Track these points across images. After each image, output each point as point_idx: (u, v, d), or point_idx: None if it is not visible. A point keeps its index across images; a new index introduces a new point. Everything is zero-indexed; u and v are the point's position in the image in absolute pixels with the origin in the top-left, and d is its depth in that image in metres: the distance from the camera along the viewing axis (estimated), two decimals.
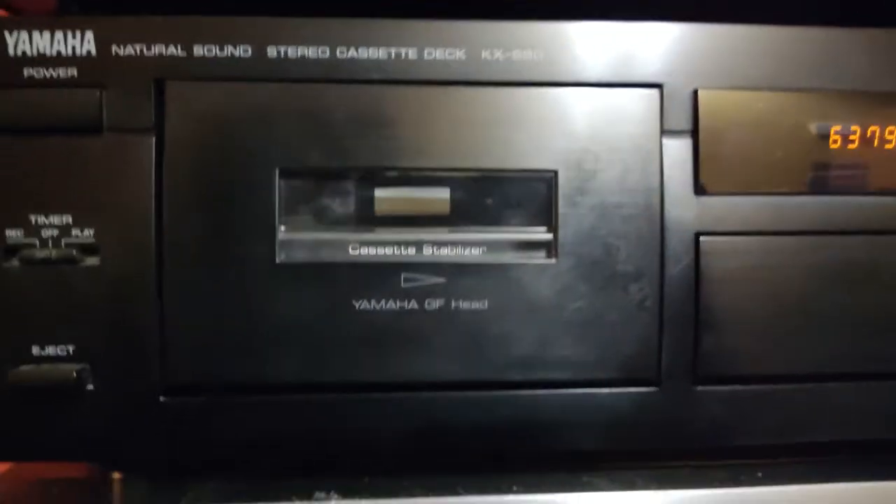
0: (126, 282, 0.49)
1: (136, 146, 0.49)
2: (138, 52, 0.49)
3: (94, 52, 0.49)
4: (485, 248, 0.51)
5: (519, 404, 0.52)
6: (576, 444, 0.53)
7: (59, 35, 0.49)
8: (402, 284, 0.50)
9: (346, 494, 0.50)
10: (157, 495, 0.50)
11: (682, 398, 0.53)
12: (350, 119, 0.50)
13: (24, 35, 0.48)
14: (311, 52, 0.50)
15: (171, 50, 0.49)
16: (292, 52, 0.50)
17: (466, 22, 0.51)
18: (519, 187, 0.52)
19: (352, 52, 0.50)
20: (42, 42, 0.48)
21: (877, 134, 0.53)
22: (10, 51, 0.48)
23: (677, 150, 0.52)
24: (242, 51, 0.49)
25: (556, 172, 0.51)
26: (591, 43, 0.51)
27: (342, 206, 0.51)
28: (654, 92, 0.52)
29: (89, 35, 0.49)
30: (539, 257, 0.51)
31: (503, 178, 0.51)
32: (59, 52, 0.49)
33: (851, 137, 0.53)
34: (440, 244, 0.51)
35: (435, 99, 0.51)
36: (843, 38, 0.53)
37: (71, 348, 0.49)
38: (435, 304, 0.50)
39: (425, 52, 0.51)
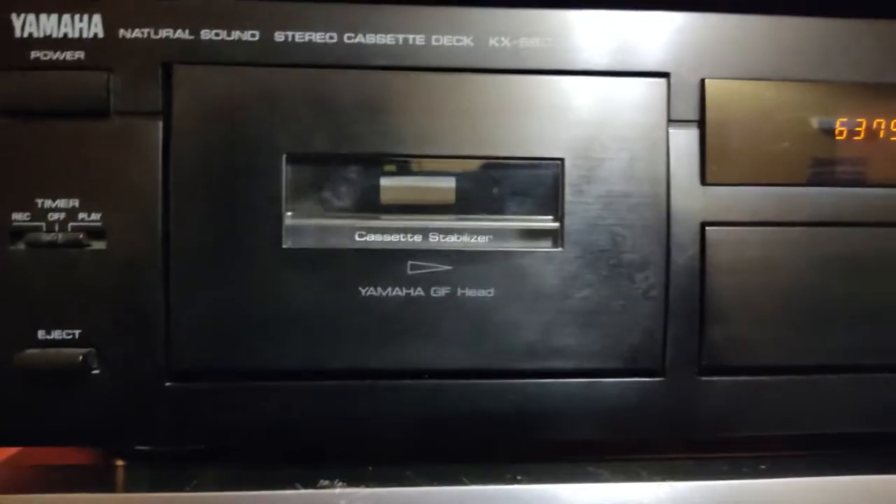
0: (132, 266, 0.49)
1: (144, 130, 0.49)
2: (146, 35, 0.49)
3: (101, 34, 0.49)
4: (491, 237, 0.51)
5: (524, 393, 0.52)
6: (580, 434, 0.53)
7: (66, 18, 0.48)
8: (409, 271, 0.50)
9: (350, 482, 0.49)
10: (161, 482, 0.50)
11: (687, 389, 0.53)
12: (357, 105, 0.50)
13: (31, 17, 0.48)
14: (318, 37, 0.50)
15: (179, 34, 0.49)
16: (300, 37, 0.50)
17: (474, 9, 0.51)
18: (525, 175, 0.52)
19: (359, 38, 0.50)
20: (49, 24, 0.48)
21: (883, 126, 0.53)
22: (17, 33, 0.48)
23: (684, 140, 0.52)
24: (250, 35, 0.49)
25: (562, 161, 0.51)
26: (598, 31, 0.51)
27: (349, 192, 0.51)
28: (662, 81, 0.52)
29: (97, 18, 0.49)
30: (545, 246, 0.51)
31: (510, 166, 0.51)
32: (66, 35, 0.48)
33: (857, 129, 0.53)
34: (446, 232, 0.51)
35: (442, 86, 0.51)
36: (850, 29, 0.53)
37: (77, 332, 0.49)
38: (441, 291, 0.50)
39: (433, 38, 0.50)
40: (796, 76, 0.53)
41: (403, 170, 0.51)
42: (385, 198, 0.51)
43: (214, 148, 0.49)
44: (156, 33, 0.49)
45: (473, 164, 0.51)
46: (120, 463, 0.54)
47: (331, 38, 0.50)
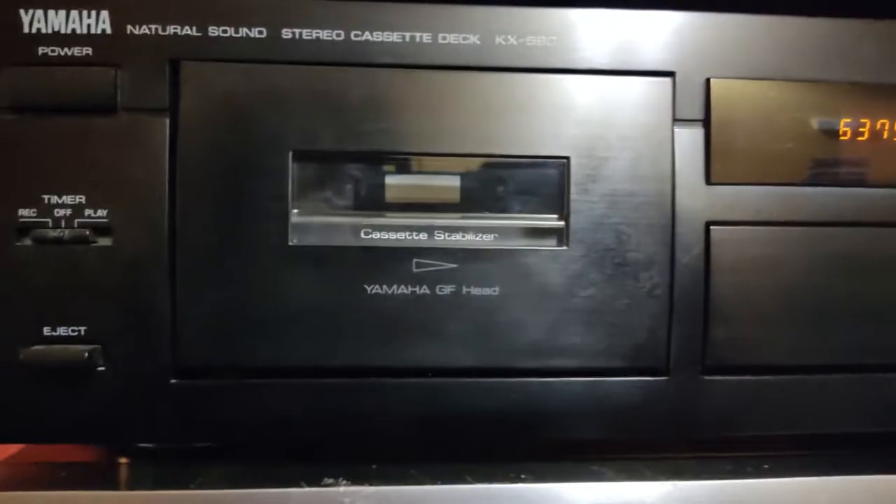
0: (138, 263, 0.49)
1: (151, 126, 0.49)
2: (153, 31, 0.49)
3: (109, 30, 0.49)
4: (496, 235, 0.51)
5: (528, 392, 0.52)
6: (584, 433, 0.53)
7: (74, 13, 0.48)
8: (414, 269, 0.50)
9: (354, 480, 0.49)
10: (165, 479, 0.50)
11: (691, 388, 0.53)
12: (363, 103, 0.50)
13: (40, 13, 0.48)
14: (325, 34, 0.50)
15: (187, 30, 0.49)
16: (307, 34, 0.50)
17: (481, 7, 0.51)
18: (531, 174, 0.52)
19: (366, 36, 0.50)
20: (57, 20, 0.48)
21: (886, 126, 0.53)
22: (25, 28, 0.48)
23: (689, 139, 0.52)
24: (257, 32, 0.49)
25: (568, 159, 0.51)
26: (604, 31, 0.52)
27: (355, 189, 0.51)
28: (667, 80, 0.52)
29: (104, 14, 0.49)
30: (550, 244, 0.51)
31: (515, 165, 0.51)
32: (73, 31, 0.48)
33: (861, 129, 0.53)
34: (452, 230, 0.51)
35: (448, 84, 0.51)
36: (855, 29, 0.53)
37: (82, 329, 0.49)
38: (446, 289, 0.50)
39: (439, 36, 0.51)
40: (801, 76, 0.53)
41: (409, 168, 0.51)
42: (391, 196, 0.51)
43: (221, 145, 0.49)
44: (163, 30, 0.49)
45: (479, 163, 0.51)
46: (123, 460, 0.54)
47: (338, 35, 0.50)
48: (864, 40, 0.53)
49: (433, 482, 0.50)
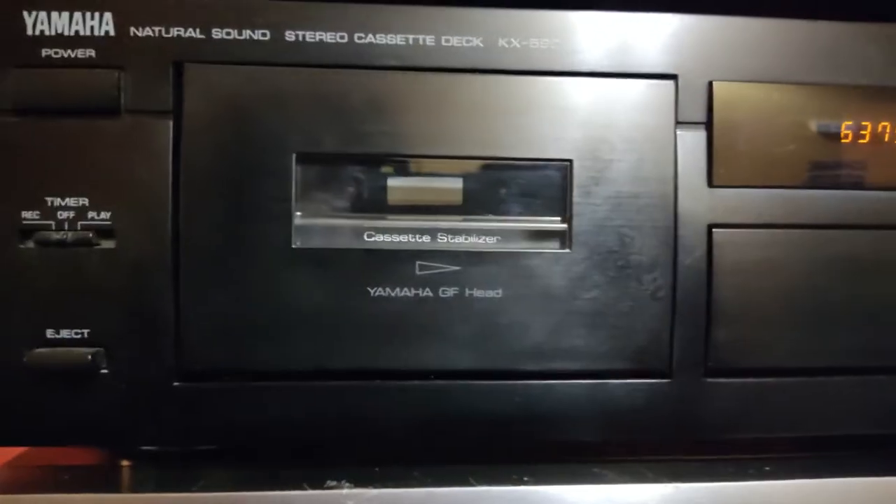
0: (142, 265, 0.49)
1: (154, 129, 0.49)
2: (157, 33, 0.49)
3: (112, 33, 0.49)
4: (499, 237, 0.51)
5: (530, 394, 0.52)
6: (587, 435, 0.53)
7: (77, 15, 0.48)
8: (417, 272, 0.50)
9: (357, 483, 0.49)
10: (167, 482, 0.50)
11: (693, 390, 0.53)
12: (367, 105, 0.50)
13: (43, 15, 0.48)
14: (329, 36, 0.50)
15: (190, 32, 0.49)
16: (310, 36, 0.50)
17: (484, 10, 0.51)
18: (533, 176, 0.52)
19: (370, 38, 0.50)
20: (61, 22, 0.48)
21: (888, 129, 0.53)
22: (29, 31, 0.48)
23: (691, 142, 0.52)
24: (261, 34, 0.49)
25: (570, 162, 0.51)
26: (606, 33, 0.52)
27: (358, 192, 0.51)
28: (669, 83, 0.52)
29: (108, 16, 0.49)
30: (553, 247, 0.51)
31: (518, 167, 0.51)
32: (77, 33, 0.48)
33: (863, 132, 0.53)
34: (455, 232, 0.51)
35: (451, 86, 0.51)
36: (857, 32, 0.53)
37: (85, 332, 0.49)
38: (449, 291, 0.50)
39: (442, 39, 0.51)
40: (803, 79, 0.53)
41: (412, 170, 0.51)
42: (394, 198, 0.51)
43: (224, 147, 0.49)
44: (167, 32, 0.49)
45: (481, 165, 0.51)
46: (126, 463, 0.54)
47: (341, 38, 0.50)
48: (866, 43, 0.53)
49: (436, 484, 0.50)
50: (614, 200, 0.51)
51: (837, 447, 0.57)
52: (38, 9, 0.48)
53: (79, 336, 0.49)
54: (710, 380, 0.53)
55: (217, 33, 0.49)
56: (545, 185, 0.52)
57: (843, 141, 0.53)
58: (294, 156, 0.49)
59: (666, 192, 0.52)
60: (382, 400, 0.51)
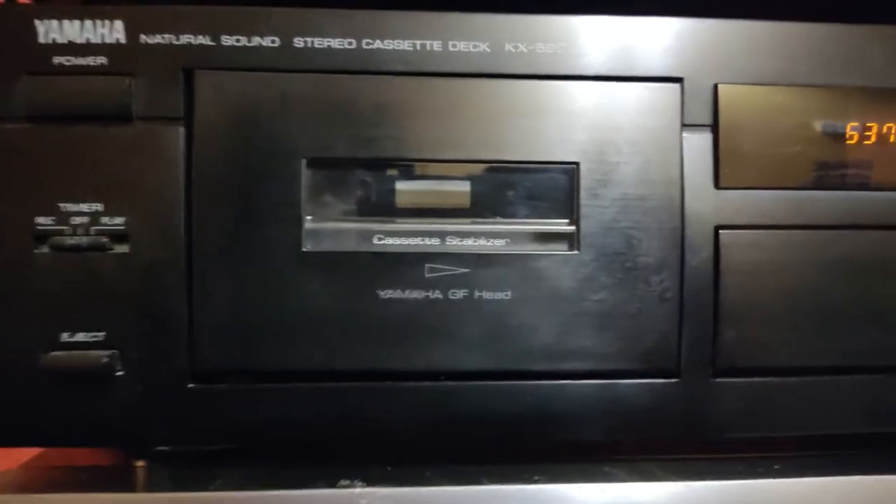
0: (155, 269, 0.49)
1: (166, 135, 0.49)
2: (167, 40, 0.49)
3: (123, 40, 0.49)
4: (508, 240, 0.52)
5: (540, 394, 0.52)
6: (596, 435, 0.53)
7: (88, 23, 0.49)
8: (427, 274, 0.51)
9: (369, 482, 0.50)
10: (182, 482, 0.50)
11: (701, 390, 0.53)
12: (375, 110, 0.51)
13: (55, 23, 0.49)
14: (337, 43, 0.50)
15: (200, 39, 0.50)
16: (319, 42, 0.50)
17: (491, 15, 0.51)
18: (541, 179, 0.52)
19: (377, 44, 0.51)
20: (72, 30, 0.49)
21: (893, 130, 0.54)
22: (41, 39, 0.49)
23: (697, 144, 0.52)
24: (270, 41, 0.50)
25: (577, 164, 0.51)
26: (612, 37, 0.52)
27: (367, 196, 0.51)
28: (675, 86, 0.52)
29: (118, 24, 0.49)
30: (561, 249, 0.52)
31: (526, 170, 0.52)
32: (88, 40, 0.49)
33: (868, 133, 0.53)
34: (464, 235, 0.51)
35: (458, 91, 0.51)
36: (861, 34, 0.54)
37: (101, 335, 0.49)
38: (459, 293, 0.51)
39: (449, 44, 0.51)
40: (808, 81, 0.53)
41: (420, 174, 0.52)
42: (402, 201, 0.52)
43: (235, 153, 0.50)
44: (177, 39, 0.49)
45: (489, 169, 0.52)
46: (140, 464, 0.54)
47: (349, 44, 0.50)
48: (870, 45, 0.53)
49: (448, 483, 0.50)
50: (621, 202, 0.52)
51: (846, 446, 0.57)
52: (50, 17, 0.49)
53: (94, 339, 0.49)
54: (717, 380, 0.53)
55: (227, 40, 0.50)
56: (552, 187, 0.52)
57: (848, 142, 0.53)
58: (304, 160, 0.50)
59: (672, 193, 0.52)
60: (393, 401, 0.51)
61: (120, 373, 0.49)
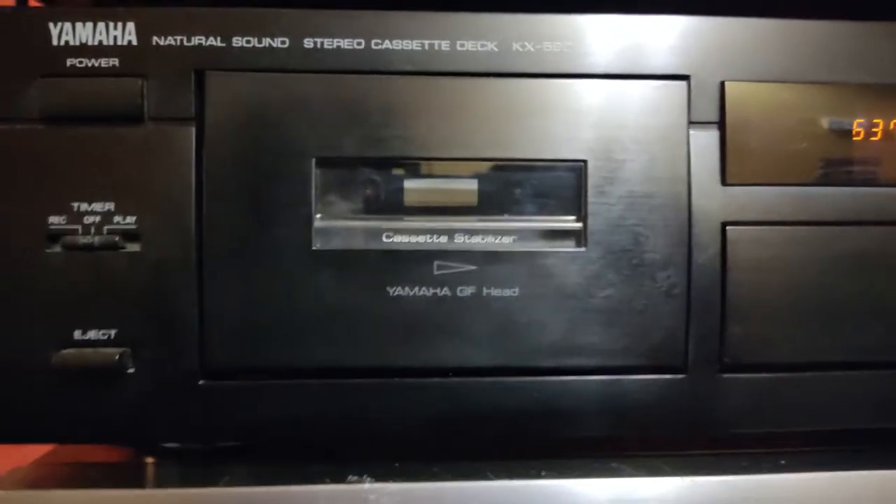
0: (166, 268, 0.50)
1: (177, 135, 0.50)
2: (178, 42, 0.50)
3: (135, 42, 0.50)
4: (515, 237, 0.52)
5: (548, 391, 0.52)
6: (603, 431, 0.53)
7: (101, 25, 0.49)
8: (435, 272, 0.51)
9: (378, 478, 0.50)
10: (193, 478, 0.51)
11: (708, 386, 0.53)
12: (383, 109, 0.51)
13: (68, 26, 0.49)
14: (346, 43, 0.51)
15: (211, 41, 0.50)
16: (328, 43, 0.51)
17: (498, 15, 0.52)
18: (548, 177, 0.52)
19: (386, 44, 0.51)
20: (85, 32, 0.49)
21: None
22: (54, 41, 0.49)
23: (704, 141, 0.53)
24: (280, 42, 0.50)
25: (585, 162, 0.52)
26: (619, 36, 0.52)
27: (376, 194, 0.52)
28: (682, 84, 0.53)
29: (130, 26, 0.50)
30: (568, 246, 0.52)
31: (533, 168, 0.52)
32: (100, 42, 0.49)
33: (874, 129, 0.53)
34: (472, 233, 0.52)
35: (466, 90, 0.52)
36: (868, 31, 0.54)
37: (112, 332, 0.50)
38: (467, 291, 0.51)
39: (457, 44, 0.51)
40: (814, 78, 0.53)
41: (429, 172, 0.52)
42: (411, 200, 0.52)
43: (246, 153, 0.50)
44: (188, 40, 0.50)
45: (497, 167, 0.52)
46: (150, 460, 0.55)
47: (358, 44, 0.51)
48: (876, 42, 0.53)
49: (455, 479, 0.51)
50: (628, 200, 0.52)
51: (852, 441, 0.57)
52: (63, 20, 0.49)
53: (106, 337, 0.50)
54: (724, 375, 0.53)
55: (237, 41, 0.50)
56: (560, 185, 0.52)
57: (854, 138, 0.53)
58: (313, 160, 0.50)
59: (679, 190, 0.52)
60: (402, 397, 0.52)
61: (131, 370, 0.50)
